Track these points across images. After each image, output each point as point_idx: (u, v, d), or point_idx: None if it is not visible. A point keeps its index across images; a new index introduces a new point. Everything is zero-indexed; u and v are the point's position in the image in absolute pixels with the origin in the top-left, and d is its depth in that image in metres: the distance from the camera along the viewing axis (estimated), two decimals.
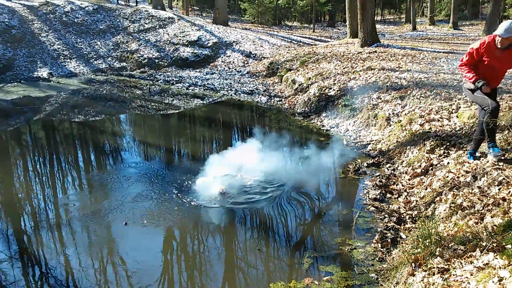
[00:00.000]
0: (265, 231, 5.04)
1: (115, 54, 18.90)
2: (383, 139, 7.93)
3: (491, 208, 3.90)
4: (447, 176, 5.29)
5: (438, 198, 4.89)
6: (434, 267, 3.07)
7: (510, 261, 2.77)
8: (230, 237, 4.95)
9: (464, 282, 2.75)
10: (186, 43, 19.04)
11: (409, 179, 6.16)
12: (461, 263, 3.02)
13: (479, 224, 3.65)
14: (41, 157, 8.17)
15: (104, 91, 14.31)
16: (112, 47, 19.26)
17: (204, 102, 12.83)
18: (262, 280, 4.12)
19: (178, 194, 5.91)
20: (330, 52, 14.52)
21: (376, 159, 7.25)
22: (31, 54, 17.58)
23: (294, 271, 4.23)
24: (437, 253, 3.20)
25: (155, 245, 4.73)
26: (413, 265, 3.29)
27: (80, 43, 19.08)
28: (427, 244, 3.37)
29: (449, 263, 3.08)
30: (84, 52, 18.67)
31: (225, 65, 17.81)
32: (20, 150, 8.57)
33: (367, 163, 7.09)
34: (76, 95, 13.71)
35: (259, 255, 4.54)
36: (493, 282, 2.63)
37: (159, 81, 15.69)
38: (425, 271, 3.14)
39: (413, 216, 5.00)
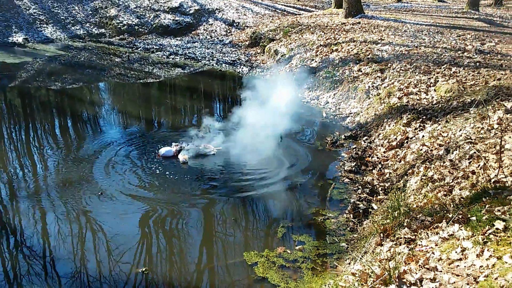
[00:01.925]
0: (239, 202, 5.08)
1: (94, 20, 18.29)
2: (361, 112, 7.98)
3: (460, 181, 4.00)
4: (421, 149, 5.38)
5: (410, 171, 4.99)
6: (401, 237, 3.17)
7: (474, 232, 2.86)
8: (202, 208, 4.97)
9: (428, 252, 2.84)
10: (167, 10, 18.52)
11: (384, 152, 6.25)
12: (427, 233, 3.11)
13: (448, 196, 3.75)
14: (17, 125, 7.99)
15: (82, 58, 13.93)
16: (90, 12, 18.61)
17: (185, 71, 12.63)
18: (237, 249, 4.19)
19: (148, 164, 5.92)
20: (313, 23, 14.33)
21: (353, 132, 7.31)
22: (6, 18, 16.89)
23: (268, 241, 4.31)
24: (405, 224, 3.28)
25: (130, 215, 4.73)
26: (382, 235, 3.38)
27: (56, 8, 18.37)
28: (396, 215, 3.45)
29: (416, 233, 3.17)
30: (61, 17, 18.01)
31: (207, 33, 17.46)
32: None
33: (344, 136, 7.15)
34: (53, 61, 13.32)
35: (234, 225, 4.60)
36: (456, 252, 2.72)
37: (139, 49, 15.33)
38: (393, 241, 3.23)
39: (386, 188, 5.10)
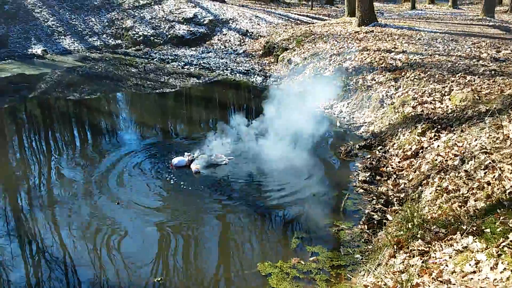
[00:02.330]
0: (253, 212, 5.12)
1: (110, 31, 18.66)
2: (375, 121, 7.98)
3: (475, 192, 3.98)
4: (436, 159, 5.37)
5: (425, 181, 4.98)
6: (415, 249, 3.17)
7: (487, 245, 2.86)
8: (216, 218, 5.03)
9: (442, 265, 2.85)
10: (182, 20, 18.80)
11: (399, 162, 6.24)
12: (441, 246, 3.11)
13: (462, 207, 3.73)
14: (36, 135, 8.19)
15: (99, 69, 14.21)
16: (106, 23, 19.00)
17: (200, 81, 12.78)
18: (250, 259, 4.23)
19: (163, 173, 6.03)
20: (326, 32, 14.39)
21: (368, 141, 7.30)
22: (25, 30, 17.35)
23: (282, 251, 4.34)
24: (418, 236, 3.29)
25: (146, 224, 4.81)
26: (395, 247, 3.39)
27: (74, 20, 18.81)
28: (410, 226, 3.46)
29: (429, 245, 3.17)
30: (79, 29, 18.43)
31: (221, 43, 17.65)
32: (15, 128, 8.57)
33: (359, 145, 7.15)
34: (71, 72, 13.62)
35: (248, 235, 4.64)
36: (469, 265, 2.72)
37: (155, 59, 15.58)
38: (406, 253, 3.23)
39: (401, 198, 5.09)
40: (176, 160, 6.32)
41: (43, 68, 14.00)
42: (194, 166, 6.22)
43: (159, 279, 3.89)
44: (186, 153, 6.51)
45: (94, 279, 3.90)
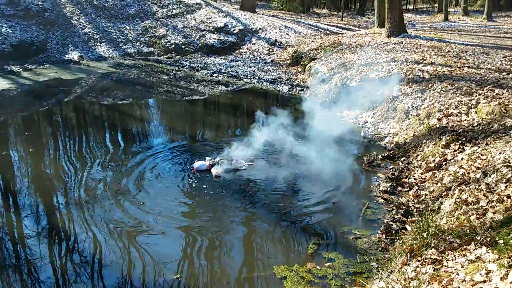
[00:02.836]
0: (271, 217, 5.23)
1: (143, 39, 19.28)
2: (400, 132, 7.96)
3: (495, 205, 3.97)
4: (458, 172, 5.35)
5: (446, 193, 4.97)
6: (427, 258, 3.21)
7: (500, 255, 2.88)
8: (235, 221, 5.17)
9: (453, 273, 2.88)
10: (213, 30, 19.23)
11: (421, 173, 6.22)
12: (454, 255, 3.14)
13: (480, 219, 3.74)
14: (70, 137, 8.57)
15: (132, 76, 14.71)
16: (140, 32, 19.64)
17: (228, 89, 13.05)
18: (267, 262, 4.34)
19: (188, 177, 6.24)
20: (355, 42, 14.43)
21: (391, 152, 7.30)
22: (63, 37, 18.15)
23: (298, 256, 4.43)
24: (432, 245, 3.32)
25: (169, 224, 5.00)
26: (408, 255, 3.43)
27: (110, 27, 19.54)
28: (424, 236, 3.49)
29: (443, 255, 3.21)
30: (114, 36, 19.13)
31: (250, 52, 17.93)
32: (50, 130, 9.01)
33: (382, 156, 7.16)
34: (105, 78, 14.16)
35: (265, 238, 4.76)
36: (480, 274, 2.75)
37: (185, 67, 15.99)
38: (419, 261, 3.28)
39: (421, 209, 5.09)
40: (197, 164, 6.54)
41: (78, 74, 14.62)
42: (214, 171, 6.43)
43: (178, 276, 4.06)
44: (207, 158, 6.73)
45: (119, 277, 4.10)
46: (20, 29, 16.98)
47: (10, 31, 16.48)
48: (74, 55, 17.12)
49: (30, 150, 7.52)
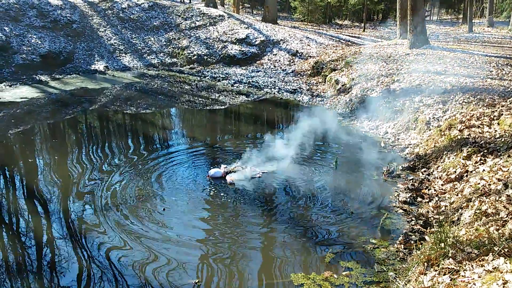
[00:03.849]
0: (288, 225, 5.27)
1: (167, 50, 19.71)
2: (421, 143, 7.91)
3: None
4: (479, 183, 5.29)
5: (466, 204, 4.92)
6: (445, 268, 3.20)
7: None
8: (252, 229, 5.22)
9: (470, 283, 2.87)
10: (234, 41, 19.50)
11: (442, 185, 6.17)
12: (472, 266, 3.13)
13: (499, 230, 3.70)
14: (94, 144, 8.82)
15: (155, 86, 15.03)
16: (164, 43, 20.08)
17: (249, 99, 13.19)
18: (284, 269, 4.38)
19: (205, 184, 6.34)
20: (376, 53, 14.40)
21: (411, 163, 7.26)
22: (90, 47, 18.72)
23: (316, 264, 4.45)
24: (450, 255, 3.31)
25: (188, 229, 5.11)
26: (425, 264, 3.42)
27: (135, 39, 20.06)
28: (442, 246, 3.48)
29: (460, 265, 3.19)
30: (138, 47, 19.61)
31: (271, 63, 18.09)
32: (75, 137, 9.30)
33: (402, 166, 7.13)
34: (129, 88, 14.52)
35: (283, 246, 4.80)
36: (497, 284, 2.74)
37: (207, 77, 16.25)
38: (436, 271, 3.27)
39: (440, 220, 5.05)
40: (212, 171, 6.69)
41: (103, 83, 15.03)
42: (229, 178, 6.57)
43: (197, 281, 4.14)
44: (222, 165, 6.88)
45: (140, 279, 4.20)
46: (49, 40, 17.60)
47: (39, 42, 17.11)
48: (99, 65, 17.62)
49: (56, 157, 7.77)
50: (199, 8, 22.70)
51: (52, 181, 6.66)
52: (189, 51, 19.28)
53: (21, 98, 12.33)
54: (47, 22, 18.36)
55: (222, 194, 6.12)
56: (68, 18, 19.17)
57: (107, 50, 18.94)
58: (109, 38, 19.58)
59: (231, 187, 6.39)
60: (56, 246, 4.80)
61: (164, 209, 5.59)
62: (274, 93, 13.67)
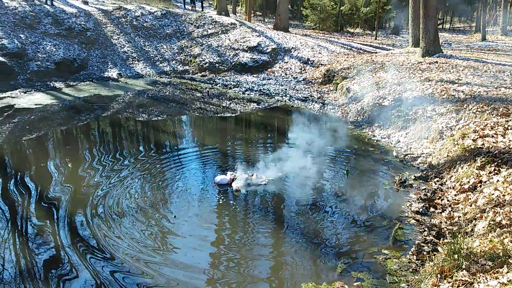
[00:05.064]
0: (299, 234, 5.24)
1: (179, 58, 19.88)
2: (434, 153, 7.83)
3: None
4: (493, 194, 5.21)
5: (479, 215, 4.85)
6: (458, 280, 3.15)
7: None
8: (263, 237, 5.21)
9: None
10: (246, 49, 19.60)
11: (455, 195, 6.09)
12: (486, 278, 3.07)
13: None
14: (106, 150, 8.89)
15: (167, 93, 15.15)
16: (176, 51, 20.27)
17: (260, 106, 13.21)
18: (294, 279, 4.34)
19: (214, 191, 6.34)
20: (388, 61, 14.35)
21: (424, 172, 7.19)
22: (103, 55, 18.97)
23: (327, 274, 4.42)
24: (463, 267, 3.26)
25: (197, 236, 5.11)
26: (439, 276, 3.37)
27: (147, 46, 20.27)
28: (456, 257, 3.43)
29: (474, 277, 3.14)
30: (151, 55, 19.82)
31: (282, 71, 18.12)
32: (88, 143, 9.39)
33: (414, 176, 7.06)
34: (141, 95, 14.65)
35: (294, 256, 4.77)
36: None
37: (218, 85, 16.33)
38: (449, 283, 3.21)
39: (453, 231, 4.98)
40: (218, 178, 6.72)
41: (116, 90, 15.19)
42: (235, 185, 6.60)
43: None
44: (228, 172, 6.90)
45: (150, 286, 4.21)
46: (64, 47, 17.87)
47: (54, 49, 17.38)
48: (113, 73, 17.83)
49: (69, 163, 7.85)
50: (211, 17, 22.90)
51: (63, 186, 6.72)
52: (201, 59, 19.42)
53: (36, 104, 12.52)
54: (62, 30, 18.65)
55: (231, 202, 6.13)
56: (83, 26, 19.46)
57: (120, 58, 19.17)
58: (122, 46, 19.82)
59: (237, 194, 6.41)
60: (66, 253, 4.83)
61: (175, 216, 5.61)
62: (285, 101, 13.68)
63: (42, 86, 14.93)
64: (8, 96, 13.26)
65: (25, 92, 13.96)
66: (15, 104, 12.35)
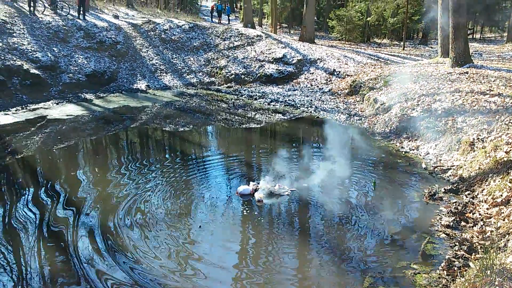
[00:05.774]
0: (324, 246, 5.17)
1: (206, 70, 20.15)
2: (465, 165, 7.61)
3: None
4: None
5: None
6: None
7: None
8: (288, 250, 5.15)
9: None
10: (272, 60, 19.70)
11: (487, 208, 5.89)
12: None
13: None
14: (134, 160, 9.05)
15: (193, 104, 15.34)
16: (203, 63, 20.56)
17: (285, 117, 13.21)
18: None
19: (239, 201, 6.33)
20: (417, 72, 14.12)
21: (455, 185, 6.99)
22: (132, 67, 19.42)
23: None
24: (496, 283, 3.13)
25: (221, 246, 5.11)
26: None
27: (175, 59, 20.65)
28: (488, 273, 3.30)
29: None
30: (178, 67, 20.17)
31: (307, 82, 18.10)
32: (117, 153, 9.59)
33: (444, 189, 6.88)
34: (168, 106, 14.89)
35: (319, 269, 4.69)
36: None
37: (243, 96, 16.43)
38: None
39: (485, 246, 4.80)
40: (241, 188, 6.73)
41: (144, 102, 15.50)
42: (257, 195, 6.58)
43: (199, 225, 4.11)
44: (251, 182, 6.91)
45: None
46: (94, 60, 18.41)
47: (85, 62, 17.92)
48: (141, 84, 18.22)
49: (98, 174, 8.02)
50: (238, 29, 23.18)
51: (92, 196, 6.86)
52: (227, 71, 19.63)
53: (67, 115, 12.90)
54: (93, 43, 19.24)
55: (256, 213, 6.11)
56: (113, 39, 20.02)
57: (149, 70, 19.58)
58: (151, 58, 20.26)
59: (260, 204, 6.39)
60: (92, 260, 4.91)
61: (200, 226, 5.64)
62: (311, 111, 13.62)
63: (73, 98, 15.39)
64: (41, 107, 13.71)
65: (57, 104, 14.41)
66: (47, 115, 12.76)
